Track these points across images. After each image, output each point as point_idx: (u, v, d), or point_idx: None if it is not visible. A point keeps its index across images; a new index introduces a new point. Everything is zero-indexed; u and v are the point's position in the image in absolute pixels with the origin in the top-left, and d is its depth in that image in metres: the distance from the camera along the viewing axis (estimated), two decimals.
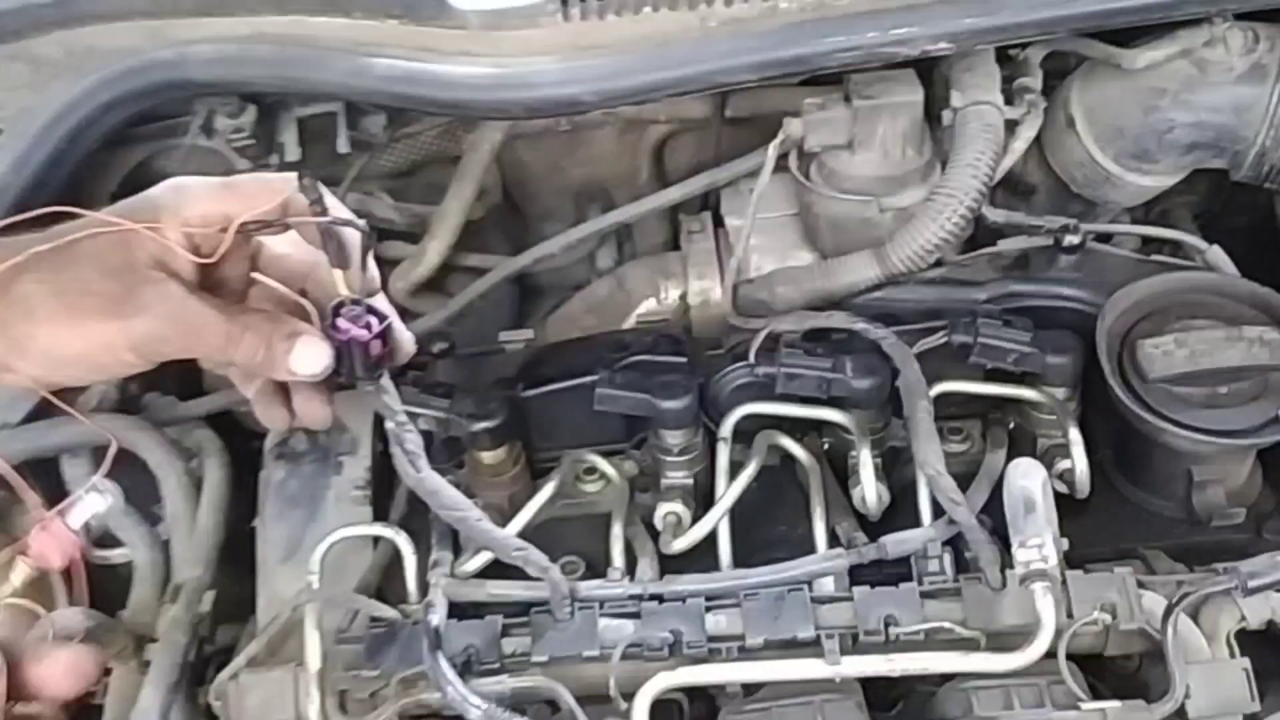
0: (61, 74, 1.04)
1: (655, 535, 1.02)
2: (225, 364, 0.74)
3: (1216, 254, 1.09)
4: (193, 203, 0.68)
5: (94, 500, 0.52)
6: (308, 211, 0.68)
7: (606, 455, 1.09)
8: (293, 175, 0.69)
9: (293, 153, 1.14)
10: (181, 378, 1.25)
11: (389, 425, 0.78)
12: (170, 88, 1.01)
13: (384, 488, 1.10)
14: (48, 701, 0.57)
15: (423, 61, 0.96)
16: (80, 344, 0.64)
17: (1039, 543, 0.86)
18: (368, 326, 0.72)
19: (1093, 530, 1.01)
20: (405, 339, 0.78)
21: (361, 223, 0.70)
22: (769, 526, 1.04)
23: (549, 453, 1.10)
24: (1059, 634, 0.86)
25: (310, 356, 0.71)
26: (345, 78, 0.97)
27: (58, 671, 0.57)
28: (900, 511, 1.02)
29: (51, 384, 0.66)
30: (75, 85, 1.00)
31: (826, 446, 1.09)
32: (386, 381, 0.76)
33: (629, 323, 1.25)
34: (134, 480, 1.09)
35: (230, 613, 1.03)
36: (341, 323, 0.72)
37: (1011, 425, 1.08)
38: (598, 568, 1.00)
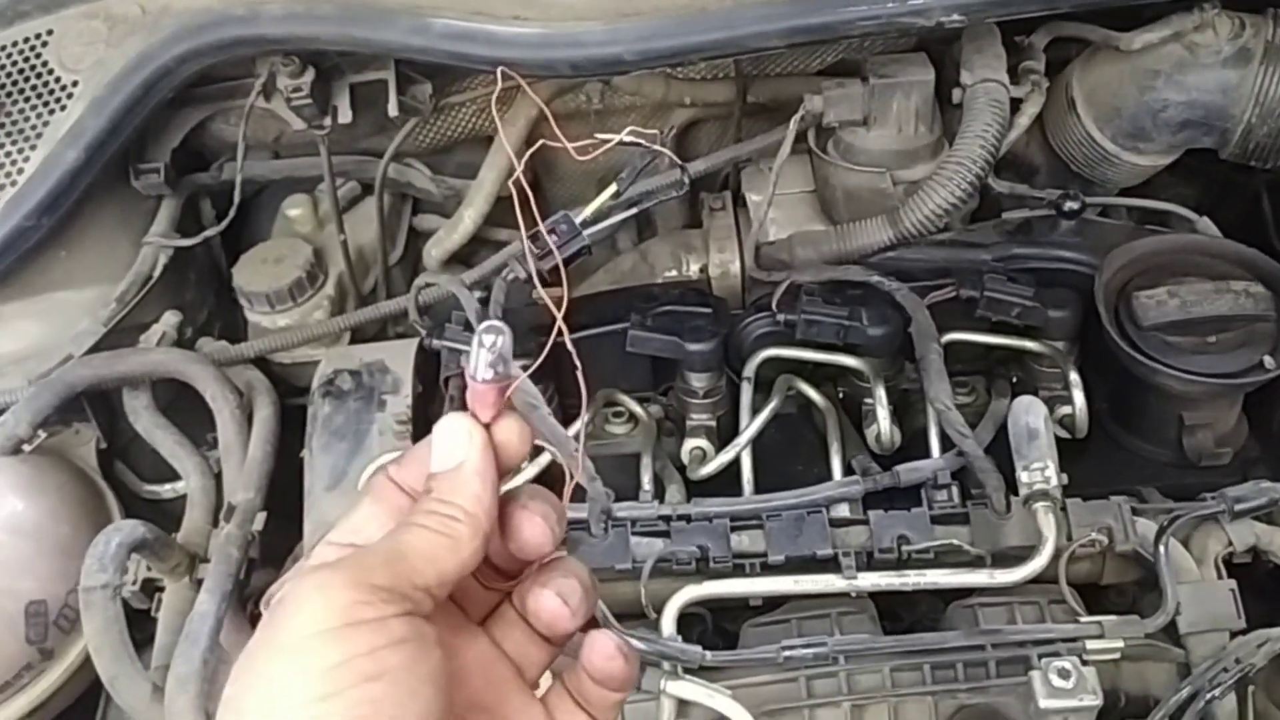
0: (136, 30, 1.12)
1: (681, 470, 1.09)
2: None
3: (1206, 224, 1.18)
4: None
5: (488, 341, 0.50)
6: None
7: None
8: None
9: (345, 115, 1.22)
10: (228, 325, 1.33)
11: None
12: (242, 43, 1.08)
13: (422, 426, 1.16)
14: (531, 553, 0.53)
15: (477, 22, 1.04)
16: None
17: (1041, 466, 0.93)
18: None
19: (1090, 473, 1.07)
20: None
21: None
22: (788, 466, 1.11)
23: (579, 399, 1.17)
24: (1059, 553, 0.92)
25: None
26: (405, 36, 1.05)
27: (536, 517, 0.52)
28: (910, 456, 1.08)
29: None
30: (152, 37, 1.08)
31: (841, 396, 1.16)
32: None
33: None
34: (186, 414, 1.17)
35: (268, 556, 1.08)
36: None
37: (1014, 380, 1.16)
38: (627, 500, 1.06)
